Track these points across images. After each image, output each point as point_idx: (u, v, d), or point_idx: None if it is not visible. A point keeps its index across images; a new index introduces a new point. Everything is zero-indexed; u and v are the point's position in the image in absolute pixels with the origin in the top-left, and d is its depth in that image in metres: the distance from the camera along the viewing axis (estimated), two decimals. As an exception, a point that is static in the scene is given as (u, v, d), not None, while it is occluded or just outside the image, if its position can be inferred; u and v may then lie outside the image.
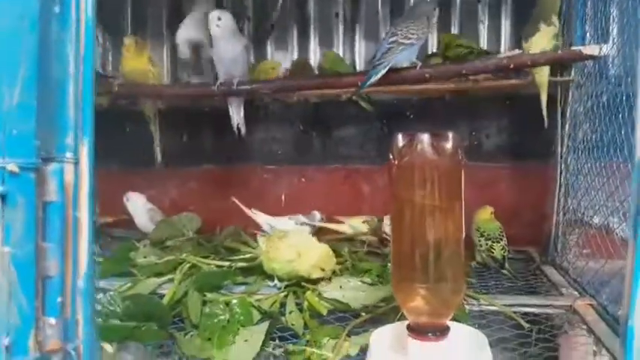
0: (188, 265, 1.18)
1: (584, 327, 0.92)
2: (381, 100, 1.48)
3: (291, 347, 0.82)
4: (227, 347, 0.82)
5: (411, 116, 1.46)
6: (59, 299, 0.49)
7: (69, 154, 0.52)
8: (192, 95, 1.15)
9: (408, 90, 1.37)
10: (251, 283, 1.12)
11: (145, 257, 1.21)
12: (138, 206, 1.54)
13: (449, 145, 0.68)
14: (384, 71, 1.01)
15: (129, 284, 1.07)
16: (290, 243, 1.07)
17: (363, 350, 0.82)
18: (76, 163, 0.52)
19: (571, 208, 1.25)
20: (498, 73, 1.14)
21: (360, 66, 1.52)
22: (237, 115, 1.26)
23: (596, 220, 1.14)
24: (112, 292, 0.91)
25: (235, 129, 1.27)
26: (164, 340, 0.89)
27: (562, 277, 1.15)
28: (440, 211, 0.68)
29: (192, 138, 1.65)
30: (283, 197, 1.58)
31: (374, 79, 1.02)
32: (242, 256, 1.33)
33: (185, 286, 1.05)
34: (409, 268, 0.70)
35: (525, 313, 0.96)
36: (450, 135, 0.68)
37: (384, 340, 0.77)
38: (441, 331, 0.71)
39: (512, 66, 1.02)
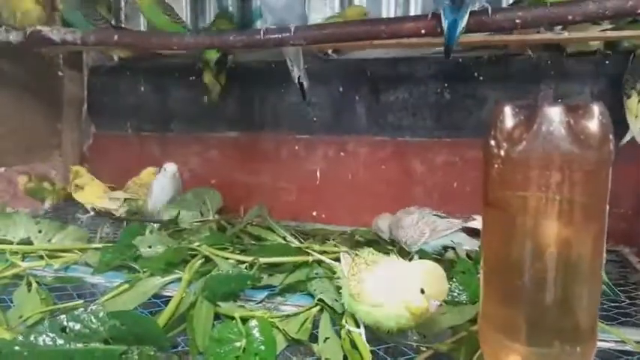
0: (201, 260, 0.97)
1: None
2: (439, 57, 1.19)
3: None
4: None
5: (481, 77, 1.17)
6: None
7: None
8: (232, 46, 0.88)
9: (476, 41, 1.08)
10: (276, 287, 0.89)
11: (149, 247, 0.99)
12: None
13: (594, 125, 0.41)
14: (466, 16, 0.72)
15: (125, 285, 0.86)
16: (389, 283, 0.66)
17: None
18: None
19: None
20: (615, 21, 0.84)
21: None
22: (297, 67, 1.00)
23: None
24: (93, 307, 0.70)
25: (297, 83, 1.01)
26: (160, 371, 0.67)
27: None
28: (571, 230, 0.43)
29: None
30: (318, 173, 1.33)
31: (462, 25, 0.73)
32: (267, 243, 1.12)
33: (194, 292, 0.83)
34: (512, 317, 0.46)
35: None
36: (597, 108, 0.42)
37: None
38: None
39: (640, 10, 0.72)
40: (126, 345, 0.69)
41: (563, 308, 0.44)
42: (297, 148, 1.34)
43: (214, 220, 1.28)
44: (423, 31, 0.80)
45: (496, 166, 0.43)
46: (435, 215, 1.04)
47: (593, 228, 0.44)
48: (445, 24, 0.74)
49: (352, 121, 1.29)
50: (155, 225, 1.14)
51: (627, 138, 1.02)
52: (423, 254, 1.01)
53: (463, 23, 0.73)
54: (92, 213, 1.36)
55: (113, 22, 1.39)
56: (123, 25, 1.46)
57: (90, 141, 1.54)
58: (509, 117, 0.43)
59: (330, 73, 1.25)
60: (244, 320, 0.74)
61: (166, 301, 0.85)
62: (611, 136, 0.41)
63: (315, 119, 1.32)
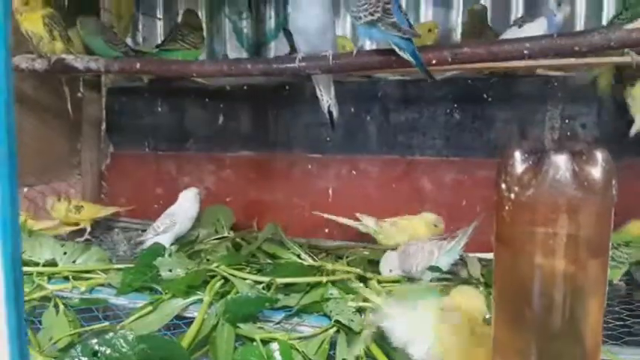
0: (220, 281, 1.00)
1: None
2: (449, 79, 1.22)
3: None
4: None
5: (490, 99, 1.20)
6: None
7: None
8: (249, 73, 0.92)
9: (486, 67, 1.11)
10: (293, 307, 0.92)
11: (170, 270, 1.03)
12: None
13: (597, 171, 0.44)
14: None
15: (148, 307, 0.90)
16: None
17: None
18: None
19: None
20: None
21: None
22: (326, 95, 1.02)
23: None
24: (122, 331, 0.74)
25: (326, 112, 1.04)
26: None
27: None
28: (577, 266, 0.45)
29: (229, 120, 1.45)
30: (330, 191, 1.37)
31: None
32: (281, 261, 1.15)
33: (215, 313, 0.87)
34: (522, 345, 0.49)
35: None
36: (600, 155, 0.44)
37: None
38: None
39: (645, 41, 0.75)
40: (152, 367, 0.72)
41: (570, 337, 0.47)
42: (310, 167, 1.38)
43: (229, 237, 1.32)
44: (434, 62, 0.84)
45: (507, 207, 0.46)
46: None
47: (597, 263, 0.47)
48: (408, 56, 0.82)
49: (364, 141, 1.32)
50: (173, 247, 1.18)
51: (634, 130, 1.04)
52: (435, 269, 1.03)
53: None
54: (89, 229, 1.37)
55: (132, 45, 1.44)
56: (140, 47, 1.50)
57: (108, 160, 1.58)
58: (518, 162, 0.46)
59: (342, 94, 1.28)
60: (264, 342, 0.78)
61: (188, 322, 0.89)
62: (613, 182, 0.44)
63: (328, 139, 1.35)
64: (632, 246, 0.93)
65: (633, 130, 1.05)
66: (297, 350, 0.77)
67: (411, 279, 1.05)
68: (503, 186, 0.46)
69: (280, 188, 1.42)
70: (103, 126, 1.55)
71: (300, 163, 1.39)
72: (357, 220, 1.26)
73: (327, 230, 1.38)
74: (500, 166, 0.47)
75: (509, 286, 0.50)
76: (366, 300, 0.92)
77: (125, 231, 1.47)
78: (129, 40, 1.50)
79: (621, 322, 0.88)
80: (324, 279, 1.01)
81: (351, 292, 0.97)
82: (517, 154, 0.46)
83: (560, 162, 0.44)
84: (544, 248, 0.45)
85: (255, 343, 0.77)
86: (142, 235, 1.27)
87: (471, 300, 0.70)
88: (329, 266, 1.09)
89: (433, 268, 1.04)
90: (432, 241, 1.08)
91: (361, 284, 1.02)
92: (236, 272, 1.04)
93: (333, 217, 1.28)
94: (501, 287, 0.50)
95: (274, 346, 0.75)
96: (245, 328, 0.84)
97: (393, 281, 1.05)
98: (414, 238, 1.15)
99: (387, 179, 1.31)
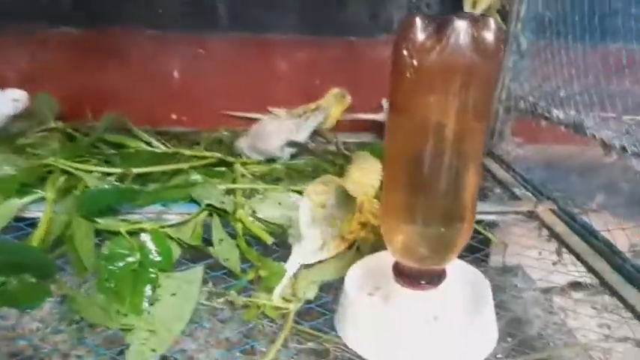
0: (63, 176, 0.88)
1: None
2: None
3: (235, 299, 0.62)
4: (146, 308, 0.60)
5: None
6: None
7: None
8: None
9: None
10: (154, 193, 0.86)
11: (-4, 168, 0.87)
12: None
13: (491, 36, 0.46)
14: None
15: (-22, 212, 0.76)
16: None
17: (324, 290, 0.66)
18: None
19: (515, 93, 1.14)
20: None
21: None
22: None
23: (545, 107, 1.05)
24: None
25: None
26: (47, 298, 0.63)
27: (506, 173, 1.07)
28: (463, 130, 0.49)
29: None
30: (176, 74, 1.25)
31: None
32: (131, 150, 1.05)
33: (65, 211, 0.77)
34: (409, 203, 0.52)
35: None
36: (493, 22, 0.46)
37: (360, 279, 0.61)
38: (437, 277, 0.57)
39: None
40: (4, 276, 0.62)
41: (453, 195, 0.52)
42: (148, 46, 1.22)
43: (58, 128, 1.15)
44: None
45: (408, 74, 0.46)
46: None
47: (482, 125, 0.51)
48: None
49: (212, 16, 1.20)
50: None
51: None
52: (293, 145, 1.05)
53: None
54: None
55: None
56: None
57: None
58: (419, 29, 0.45)
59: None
60: (131, 234, 0.72)
61: (29, 223, 0.78)
62: (502, 46, 0.47)
63: (169, 12, 1.19)
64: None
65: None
66: (171, 238, 0.73)
67: (270, 160, 1.06)
68: (405, 53, 0.46)
69: (115, 72, 1.24)
70: None
71: (137, 42, 1.22)
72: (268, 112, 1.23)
73: (174, 116, 1.28)
74: (399, 34, 0.47)
75: (402, 152, 0.52)
76: (234, 182, 0.91)
77: None
78: None
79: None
80: (185, 165, 0.96)
81: (216, 177, 0.94)
82: (418, 21, 0.46)
83: (462, 27, 0.44)
84: (438, 111, 0.48)
85: (121, 236, 0.71)
86: None
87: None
88: (186, 152, 1.03)
89: (292, 144, 1.05)
90: (289, 119, 1.09)
91: (224, 168, 1.00)
92: (80, 165, 0.92)
93: (239, 114, 1.25)
94: (394, 153, 0.53)
95: (144, 236, 0.70)
96: (104, 223, 0.76)
97: (257, 163, 1.04)
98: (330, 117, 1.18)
99: (238, 60, 1.24)
